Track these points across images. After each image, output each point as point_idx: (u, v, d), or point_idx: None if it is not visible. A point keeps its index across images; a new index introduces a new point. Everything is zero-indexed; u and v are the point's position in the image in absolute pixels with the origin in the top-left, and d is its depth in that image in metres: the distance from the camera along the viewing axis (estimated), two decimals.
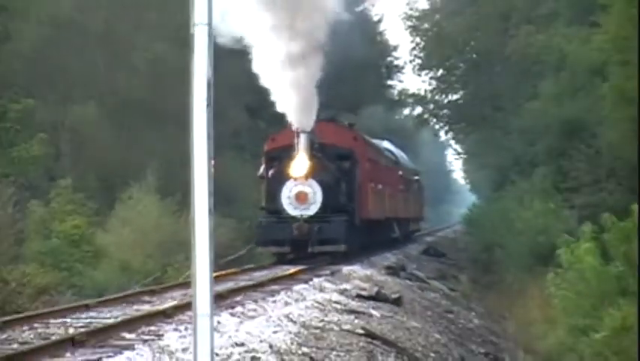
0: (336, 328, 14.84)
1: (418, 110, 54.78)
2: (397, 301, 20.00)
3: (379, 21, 59.74)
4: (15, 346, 11.32)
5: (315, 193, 25.18)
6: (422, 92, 52.94)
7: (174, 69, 31.42)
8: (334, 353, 12.94)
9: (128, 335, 12.01)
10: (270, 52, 24.06)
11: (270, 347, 12.07)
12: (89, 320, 13.65)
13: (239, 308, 14.95)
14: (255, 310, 15.09)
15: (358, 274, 23.91)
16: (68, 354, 10.72)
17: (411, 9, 52.57)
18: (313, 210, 25.17)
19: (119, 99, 36.83)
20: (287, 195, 25.26)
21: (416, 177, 47.90)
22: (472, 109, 49.43)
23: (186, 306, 13.95)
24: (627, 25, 22.40)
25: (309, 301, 17.28)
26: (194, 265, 5.85)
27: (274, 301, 16.42)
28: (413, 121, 59.00)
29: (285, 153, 25.80)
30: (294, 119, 25.20)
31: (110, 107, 35.85)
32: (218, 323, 12.96)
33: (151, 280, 23.90)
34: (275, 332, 13.17)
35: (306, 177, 25.21)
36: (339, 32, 25.64)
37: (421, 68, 52.39)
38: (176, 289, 18.59)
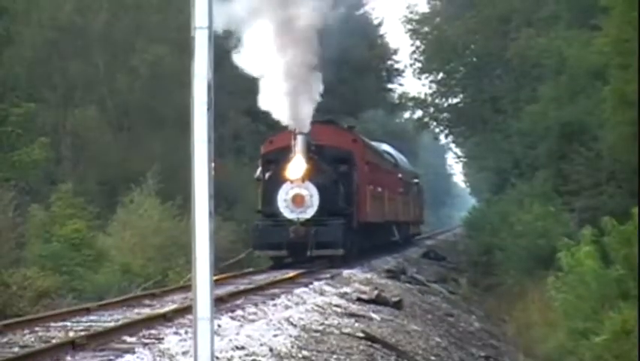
0: (336, 331, 14.84)
1: (418, 113, 54.95)
2: (398, 305, 19.99)
3: (379, 24, 59.76)
4: (16, 349, 11.32)
5: (312, 196, 24.81)
6: (422, 96, 53.12)
7: (175, 72, 31.49)
8: (334, 356, 12.93)
9: (128, 339, 12.00)
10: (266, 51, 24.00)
11: (271, 350, 12.07)
12: (89, 324, 13.64)
13: (239, 312, 14.96)
14: (255, 313, 15.10)
15: (358, 277, 23.87)
16: (69, 358, 10.73)
17: (411, 12, 52.77)
18: (310, 213, 24.79)
19: (119, 102, 36.88)
20: (283, 198, 24.91)
21: (416, 180, 47.73)
22: (472, 112, 49.49)
23: (187, 309, 13.96)
24: (628, 28, 22.41)
25: (310, 304, 17.27)
26: (195, 269, 5.86)
27: (274, 305, 16.43)
28: (413, 124, 59.10)
29: (282, 156, 25.45)
30: (290, 121, 25.01)
31: (111, 111, 35.90)
32: (219, 326, 12.96)
33: (151, 284, 23.88)
34: (275, 336, 13.17)
35: (303, 179, 24.83)
36: (338, 35, 25.66)
37: (422, 71, 52.47)
38: (176, 292, 18.58)
